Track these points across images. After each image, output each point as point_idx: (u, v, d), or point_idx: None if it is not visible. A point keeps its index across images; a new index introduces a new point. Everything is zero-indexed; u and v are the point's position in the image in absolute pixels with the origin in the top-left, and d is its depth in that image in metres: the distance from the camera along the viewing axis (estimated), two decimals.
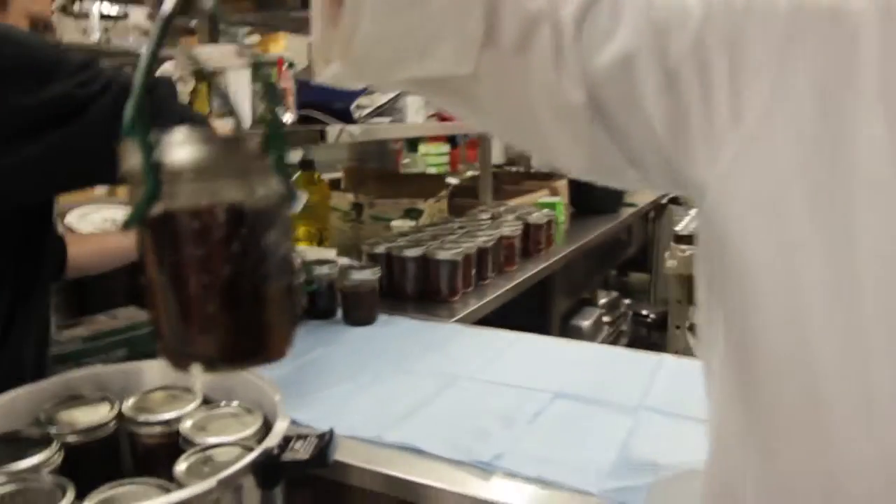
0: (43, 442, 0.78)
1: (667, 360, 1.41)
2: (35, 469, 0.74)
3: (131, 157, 0.40)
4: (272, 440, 0.74)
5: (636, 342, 3.60)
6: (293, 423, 0.81)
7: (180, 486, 0.74)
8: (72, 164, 0.89)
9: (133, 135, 0.39)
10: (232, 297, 0.41)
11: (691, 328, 3.16)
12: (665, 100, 0.53)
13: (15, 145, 0.84)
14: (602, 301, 3.32)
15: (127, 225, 0.40)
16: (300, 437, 0.77)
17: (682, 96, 0.53)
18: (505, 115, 0.61)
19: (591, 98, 0.56)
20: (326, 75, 0.59)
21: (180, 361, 0.42)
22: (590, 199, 3.11)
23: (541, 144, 0.61)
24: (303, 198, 0.53)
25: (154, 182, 0.39)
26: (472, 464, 1.01)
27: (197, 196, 0.40)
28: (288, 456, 0.74)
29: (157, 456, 0.85)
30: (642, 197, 3.80)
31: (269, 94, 0.44)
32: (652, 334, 3.77)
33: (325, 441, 0.76)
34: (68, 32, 3.11)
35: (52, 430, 0.80)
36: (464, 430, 1.09)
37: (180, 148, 0.40)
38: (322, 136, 1.52)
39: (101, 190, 2.68)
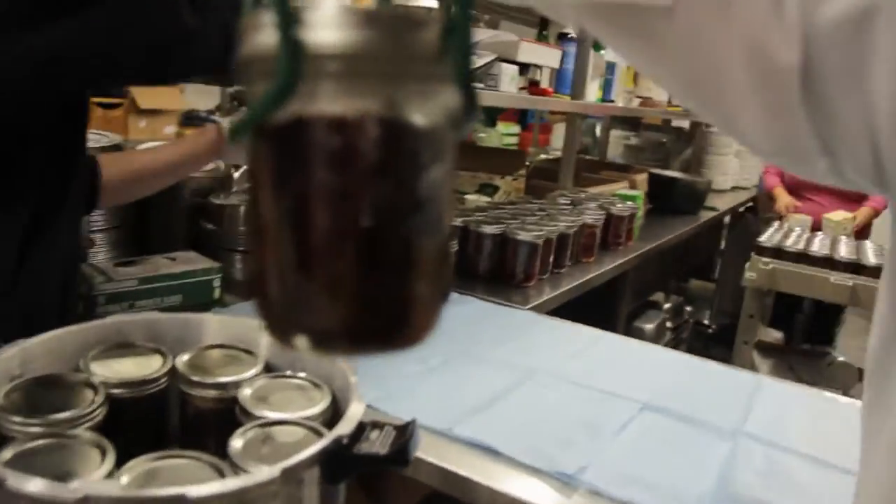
0: (85, 391, 0.68)
1: (765, 381, 1.26)
2: (73, 422, 0.64)
3: (257, 36, 0.28)
4: (345, 427, 0.63)
5: (694, 353, 3.42)
6: (368, 407, 0.69)
7: (234, 465, 0.63)
8: (99, 50, 0.76)
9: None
10: (373, 250, 0.29)
11: (758, 346, 2.99)
12: None
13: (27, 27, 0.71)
14: (666, 306, 3.16)
15: (239, 131, 0.28)
16: (375, 425, 0.65)
17: None
18: (692, 67, 0.48)
19: (806, 61, 0.42)
20: None
21: (285, 331, 0.30)
22: (670, 197, 2.94)
23: (727, 110, 0.48)
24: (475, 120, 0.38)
25: (292, 71, 0.26)
26: (553, 474, 0.88)
27: (343, 99, 0.27)
28: (362, 448, 0.62)
29: (208, 422, 0.74)
30: (722, 202, 3.61)
31: None
32: (711, 347, 3.59)
33: (407, 435, 0.64)
34: None
35: (97, 380, 0.70)
36: (544, 434, 0.97)
37: (327, 27, 0.27)
38: None
39: (170, 129, 2.63)
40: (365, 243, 0.28)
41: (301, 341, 0.30)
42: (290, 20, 0.26)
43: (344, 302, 0.29)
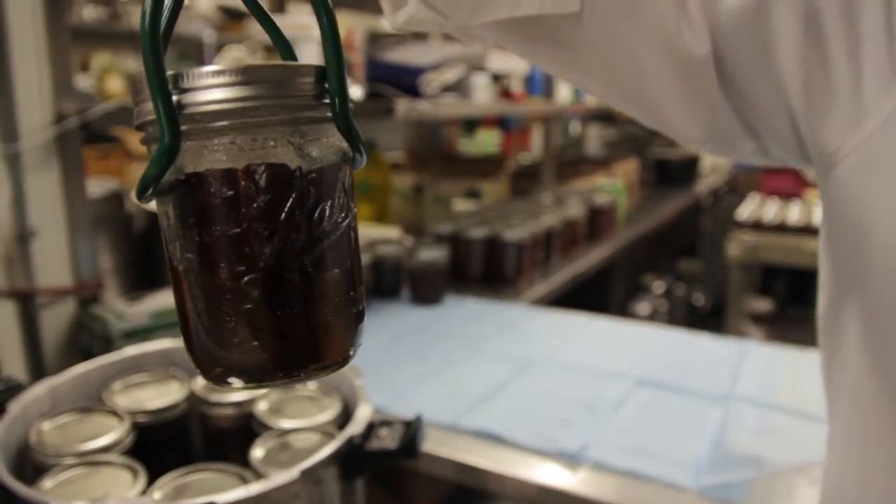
0: (112, 420, 0.71)
1: (751, 347, 1.29)
2: (106, 449, 0.67)
3: (147, 104, 0.29)
4: (356, 427, 0.65)
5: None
6: (377, 410, 0.72)
7: (256, 473, 0.66)
8: None
9: (144, 69, 0.28)
10: (276, 289, 0.30)
11: (750, 317, 3.02)
12: (802, 50, 0.42)
13: None
14: (658, 288, 3.19)
15: (139, 194, 0.29)
16: (384, 423, 0.68)
17: (824, 45, 0.42)
18: (610, 68, 0.49)
19: (715, 50, 0.45)
20: (398, 20, 0.48)
21: (213, 372, 0.31)
22: (668, 173, 3.02)
23: (651, 105, 0.49)
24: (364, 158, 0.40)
25: (172, 133, 0.28)
26: (557, 454, 0.91)
27: (230, 153, 0.29)
28: (373, 445, 0.65)
29: (228, 438, 0.77)
30: (702, 184, 3.65)
31: (323, 16, 0.30)
32: (704, 323, 3.62)
33: (414, 429, 0.67)
34: (136, 19, 3.10)
35: (122, 409, 0.73)
36: (545, 418, 1.00)
37: (207, 87, 0.28)
38: (390, 111, 1.43)
39: None
40: (268, 281, 0.30)
41: (232, 380, 0.31)
42: (164, 89, 0.28)
43: (258, 341, 0.30)
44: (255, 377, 0.31)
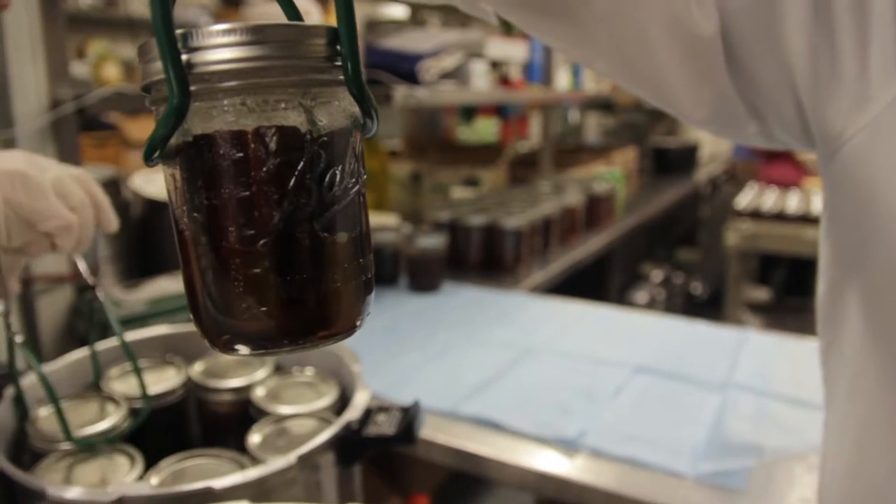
0: (109, 406, 0.71)
1: (749, 335, 1.29)
2: (102, 435, 0.67)
3: (154, 63, 0.29)
4: (353, 413, 0.65)
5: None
6: (374, 396, 0.71)
7: (254, 459, 0.65)
8: None
9: (152, 27, 0.27)
10: (285, 254, 0.29)
11: (747, 306, 3.02)
12: (810, 31, 0.42)
13: None
14: (656, 276, 3.19)
15: (146, 156, 0.29)
16: (382, 409, 0.68)
17: (832, 28, 0.42)
18: (617, 44, 0.49)
19: (723, 29, 0.45)
20: None
21: (220, 340, 0.31)
22: (668, 162, 3.01)
23: (657, 83, 0.49)
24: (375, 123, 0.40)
25: (181, 93, 0.28)
26: (555, 441, 0.91)
27: (240, 114, 0.29)
28: (371, 431, 0.65)
29: (226, 424, 0.77)
30: (701, 172, 3.65)
31: None
32: (702, 312, 3.63)
33: (411, 415, 0.66)
34: (133, 4, 3.07)
35: (119, 395, 0.72)
36: (543, 405, 1.00)
37: (217, 46, 0.28)
38: (388, 98, 1.42)
39: None
40: (277, 246, 0.29)
41: (238, 347, 0.31)
42: (173, 46, 0.27)
43: (266, 307, 0.30)
44: (261, 344, 0.31)
